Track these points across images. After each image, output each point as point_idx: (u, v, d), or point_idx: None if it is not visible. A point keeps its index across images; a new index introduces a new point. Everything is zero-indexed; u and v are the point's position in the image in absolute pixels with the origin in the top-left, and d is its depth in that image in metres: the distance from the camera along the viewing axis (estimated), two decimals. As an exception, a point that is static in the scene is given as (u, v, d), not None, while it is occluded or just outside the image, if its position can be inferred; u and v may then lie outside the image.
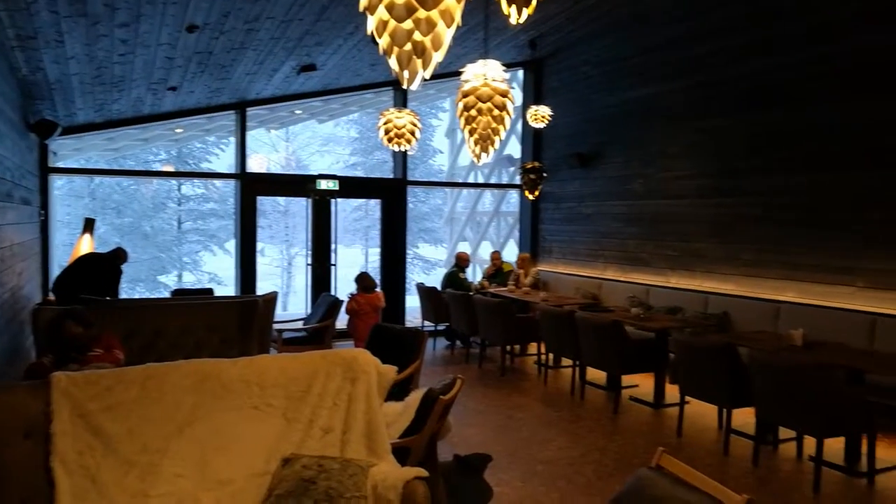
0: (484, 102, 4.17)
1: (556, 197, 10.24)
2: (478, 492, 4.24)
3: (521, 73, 10.96)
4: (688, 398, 5.48)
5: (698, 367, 5.19)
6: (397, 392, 4.06)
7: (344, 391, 3.27)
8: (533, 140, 10.58)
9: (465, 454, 4.54)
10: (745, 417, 5.18)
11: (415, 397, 3.63)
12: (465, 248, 16.74)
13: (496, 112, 4.17)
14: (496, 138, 4.24)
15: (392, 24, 2.05)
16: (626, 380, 6.73)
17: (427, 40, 2.05)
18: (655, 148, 8.33)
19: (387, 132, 6.99)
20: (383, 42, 2.10)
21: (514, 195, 11.52)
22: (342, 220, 26.38)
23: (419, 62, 2.07)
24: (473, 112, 4.21)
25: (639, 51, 8.55)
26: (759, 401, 4.71)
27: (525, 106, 10.33)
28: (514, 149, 12.59)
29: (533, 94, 10.52)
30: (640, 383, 6.87)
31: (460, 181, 16.71)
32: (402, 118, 6.96)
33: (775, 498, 4.23)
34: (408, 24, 2.03)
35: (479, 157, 4.37)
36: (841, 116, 6.15)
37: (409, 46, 2.05)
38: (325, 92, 9.44)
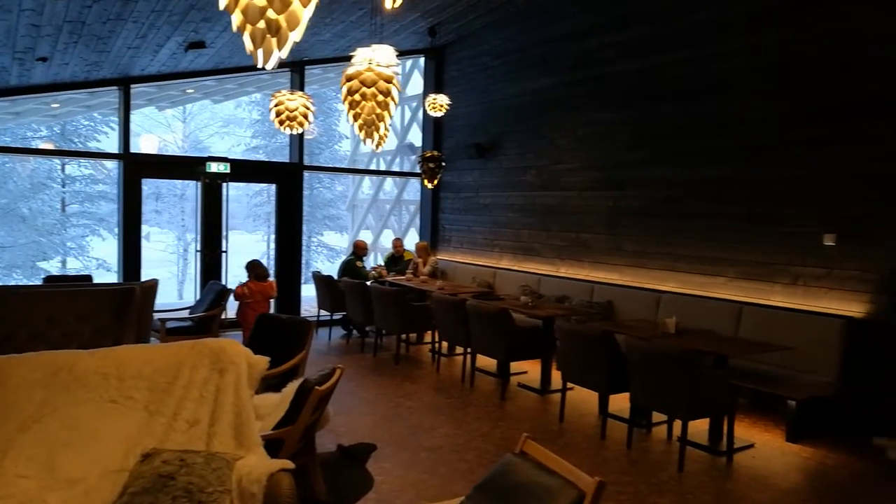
0: (368, 87, 4.11)
1: (455, 186, 10.31)
2: (358, 481, 4.21)
3: (422, 60, 10.92)
4: (572, 384, 5.66)
5: (579, 355, 5.37)
6: (280, 383, 3.97)
7: (211, 382, 3.15)
8: (434, 128, 10.59)
9: (349, 444, 4.51)
10: (624, 402, 5.41)
11: (291, 388, 3.55)
12: (367, 235, 16.62)
13: (380, 98, 4.12)
14: (381, 124, 4.19)
15: (244, 0, 1.96)
16: (517, 367, 6.89)
17: (282, 18, 1.97)
18: (549, 140, 8.53)
19: (278, 114, 6.80)
20: (236, 19, 2.01)
21: (415, 183, 11.50)
22: (244, 205, 25.63)
23: (274, 41, 1.99)
24: (357, 97, 4.14)
25: (537, 43, 8.71)
26: (632, 386, 4.93)
27: (426, 94, 10.32)
28: (417, 136, 12.58)
29: (434, 83, 10.52)
30: (530, 370, 7.04)
31: (361, 168, 16.53)
32: (295, 100, 6.80)
33: (643, 478, 4.44)
34: (260, 1, 1.95)
35: (364, 141, 4.32)
36: (724, 113, 6.49)
37: (262, 24, 1.97)
38: (218, 71, 9.05)
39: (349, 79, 4.12)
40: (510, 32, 9.16)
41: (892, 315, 1.76)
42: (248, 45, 2.02)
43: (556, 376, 6.11)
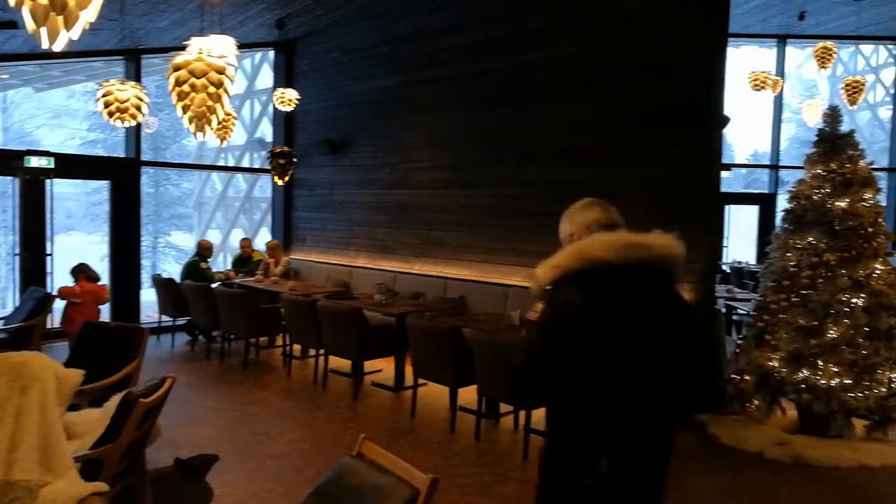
0: (198, 78, 3.87)
1: (309, 183, 10.07)
2: (195, 496, 3.97)
3: (272, 53, 10.55)
4: (424, 380, 5.70)
5: (429, 350, 5.42)
6: (108, 398, 3.64)
7: (11, 402, 2.81)
8: (285, 123, 10.27)
9: (188, 457, 4.24)
10: (475, 395, 5.51)
11: (113, 402, 3.26)
12: (215, 235, 15.83)
13: (212, 90, 3.89)
14: (213, 117, 3.97)
15: (22, -29, 1.75)
16: (371, 365, 6.83)
17: (69, -5, 1.78)
18: (400, 139, 8.55)
19: (107, 105, 6.26)
20: (15, -8, 1.79)
21: (267, 180, 11.10)
22: (82, 203, 23.41)
23: (60, 19, 1.79)
24: (186, 88, 3.88)
25: (384, 41, 8.70)
26: (479, 378, 5.04)
27: (276, 88, 9.98)
28: (268, 131, 12.15)
29: (284, 77, 10.20)
30: (384, 368, 7.01)
31: (208, 164, 15.72)
32: (126, 91, 6.28)
33: (489, 468, 4.55)
34: (41, -27, 1.74)
35: (195, 135, 4.07)
36: (567, 115, 6.78)
37: (44, 0, 1.76)
38: (35, 56, 8.19)
39: (177, 69, 3.86)
40: (358, 29, 9.07)
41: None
42: (30, 24, 1.80)
43: (411, 373, 6.13)
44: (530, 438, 4.81)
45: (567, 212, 2.36)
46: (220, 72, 3.87)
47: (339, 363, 6.76)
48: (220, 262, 13.94)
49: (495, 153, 7.46)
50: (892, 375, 4.83)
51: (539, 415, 5.00)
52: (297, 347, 7.45)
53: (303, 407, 5.89)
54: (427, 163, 8.22)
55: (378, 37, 8.78)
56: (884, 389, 4.82)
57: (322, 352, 6.60)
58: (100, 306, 7.08)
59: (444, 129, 8.01)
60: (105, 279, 7.84)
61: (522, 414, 5.06)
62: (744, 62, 13.44)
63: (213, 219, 16.81)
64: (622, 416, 1.97)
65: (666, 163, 6.07)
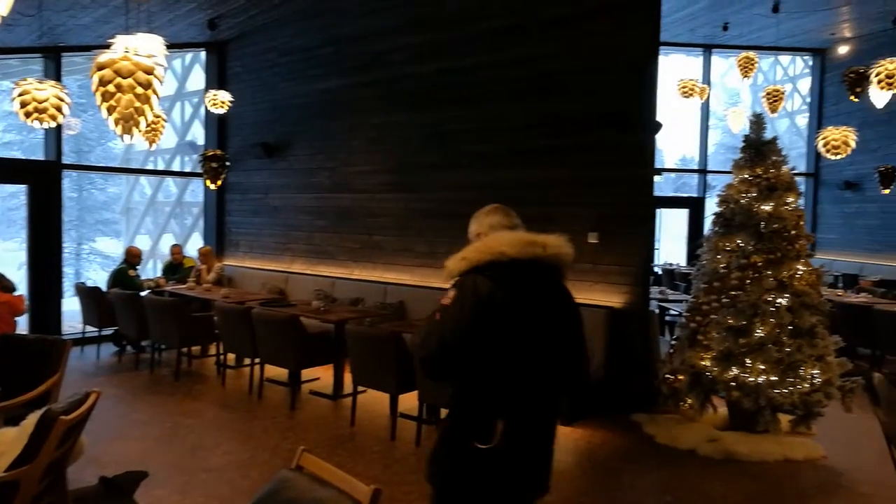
0: (125, 78, 3.70)
1: (242, 188, 9.82)
2: (124, 516, 3.78)
3: (203, 54, 10.25)
4: (363, 387, 5.62)
5: (369, 357, 5.34)
6: (26, 415, 3.42)
7: (-84, 424, 2.60)
8: (217, 126, 9.98)
9: (114, 474, 4.04)
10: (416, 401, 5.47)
11: (31, 420, 3.07)
12: (144, 241, 15.25)
13: (140, 90, 3.73)
14: (141, 119, 3.81)
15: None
16: (308, 374, 6.69)
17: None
18: (340, 141, 8.44)
19: (23, 105, 5.94)
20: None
21: (198, 184, 10.76)
22: (-6, 208, 22.16)
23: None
24: (112, 88, 3.71)
25: (325, 42, 8.57)
26: (420, 384, 5.00)
27: (208, 90, 9.69)
28: (200, 134, 11.78)
29: (217, 78, 9.92)
30: (322, 376, 6.88)
31: (136, 167, 15.13)
32: (45, 90, 5.97)
33: (432, 475, 4.50)
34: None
35: (122, 137, 3.90)
36: (510, 118, 6.83)
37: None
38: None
39: (101, 67, 3.68)
40: (296, 30, 8.92)
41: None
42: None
43: (350, 380, 6.03)
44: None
45: (475, 215, 2.65)
46: (149, 72, 3.71)
47: (276, 372, 6.60)
48: (150, 270, 13.44)
49: (437, 156, 7.46)
50: (814, 372, 5.05)
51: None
52: (231, 357, 7.24)
53: (238, 418, 5.72)
54: (368, 166, 8.14)
55: (318, 38, 8.64)
56: (807, 385, 5.03)
57: (258, 361, 6.43)
58: (16, 318, 6.68)
59: (385, 132, 7.95)
60: (23, 289, 7.42)
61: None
62: (672, 70, 13.90)
63: (143, 224, 16.20)
64: (518, 387, 2.26)
65: (602, 166, 6.19)
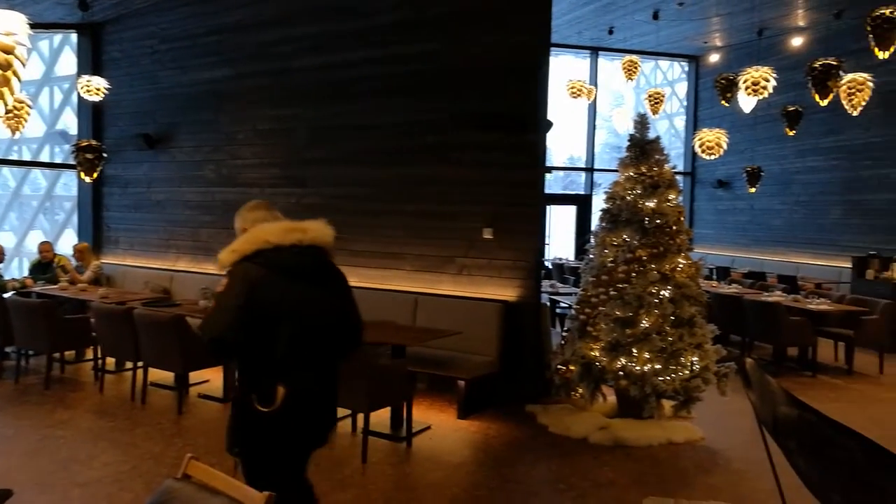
0: (-20, 57, 3.35)
1: (122, 181, 9.21)
2: (-16, 540, 3.43)
3: (74, 36, 9.51)
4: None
5: (261, 357, 5.14)
6: None
7: None
8: (92, 115, 9.31)
9: (-27, 495, 3.65)
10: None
11: None
12: (8, 238, 14.00)
13: (-2, 71, 3.39)
14: (1, 102, 3.46)
15: None
16: (197, 376, 6.36)
17: None
18: (227, 134, 8.10)
19: None
20: None
21: (71, 176, 10.00)
22: None
23: None
24: (-35, 68, 3.35)
25: (210, 30, 8.19)
26: (316, 384, 4.87)
27: (80, 75, 9.00)
28: (73, 123, 10.93)
29: (91, 63, 9.24)
30: (212, 378, 6.56)
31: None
32: None
33: (327, 475, 4.40)
34: None
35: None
36: (402, 113, 6.80)
37: None
38: None
39: (-49, 44, 3.31)
40: (178, 16, 8.46)
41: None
42: None
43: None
44: (369, 441, 4.74)
45: (239, 211, 2.91)
46: (8, 51, 3.38)
47: (161, 375, 6.24)
48: (15, 269, 12.34)
49: (327, 151, 7.31)
50: (693, 359, 5.37)
51: (379, 416, 4.96)
52: (110, 361, 6.77)
53: (118, 426, 5.35)
54: (256, 160, 7.86)
55: (204, 25, 8.24)
56: (687, 372, 5.34)
57: (140, 364, 6.04)
58: None
59: (275, 125, 7.70)
60: None
61: (361, 417, 4.96)
62: (562, 70, 14.35)
63: (6, 220, 14.84)
64: (295, 355, 2.55)
65: (495, 164, 6.29)
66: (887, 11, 7.10)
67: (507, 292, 6.28)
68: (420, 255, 6.72)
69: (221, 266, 2.60)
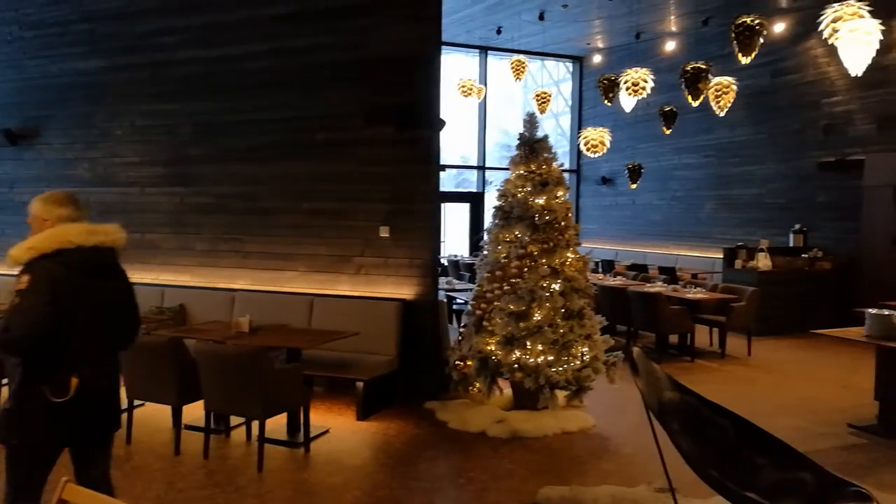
0: None
1: (-22, 181, 8.41)
2: None
3: (-80, 20, 8.57)
4: (141, 401, 5.11)
5: (145, 368, 4.86)
6: None
7: None
8: (-58, 108, 8.43)
9: None
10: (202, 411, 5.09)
11: None
12: None
13: None
14: None
15: None
16: None
17: None
18: (102, 130, 7.59)
19: None
20: None
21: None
22: None
23: None
24: None
25: (80, 18, 7.62)
26: (206, 393, 4.67)
27: (-73, 64, 8.14)
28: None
29: (-60, 51, 8.36)
30: None
31: None
32: None
33: (221, 487, 4.23)
34: None
35: None
36: (292, 109, 6.61)
37: None
38: None
39: None
40: (45, 1, 7.82)
41: None
42: None
43: (124, 394, 5.45)
44: (265, 448, 4.59)
45: (44, 199, 2.97)
46: None
47: None
48: None
49: (213, 148, 7.01)
50: (583, 350, 5.59)
51: (275, 422, 4.81)
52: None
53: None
54: (136, 157, 7.41)
55: (72, 13, 7.65)
56: (578, 362, 5.55)
57: (5, 382, 5.54)
58: None
59: (155, 122, 7.29)
60: None
61: (256, 424, 4.79)
62: (453, 70, 14.51)
63: None
64: (87, 348, 2.77)
65: (388, 162, 6.26)
66: (748, 19, 7.70)
67: (404, 291, 6.27)
68: (315, 255, 6.58)
69: (14, 262, 2.69)
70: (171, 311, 6.76)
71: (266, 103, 6.73)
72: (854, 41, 6.45)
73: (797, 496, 3.15)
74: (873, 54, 6.61)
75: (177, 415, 4.88)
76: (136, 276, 7.32)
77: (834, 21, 6.64)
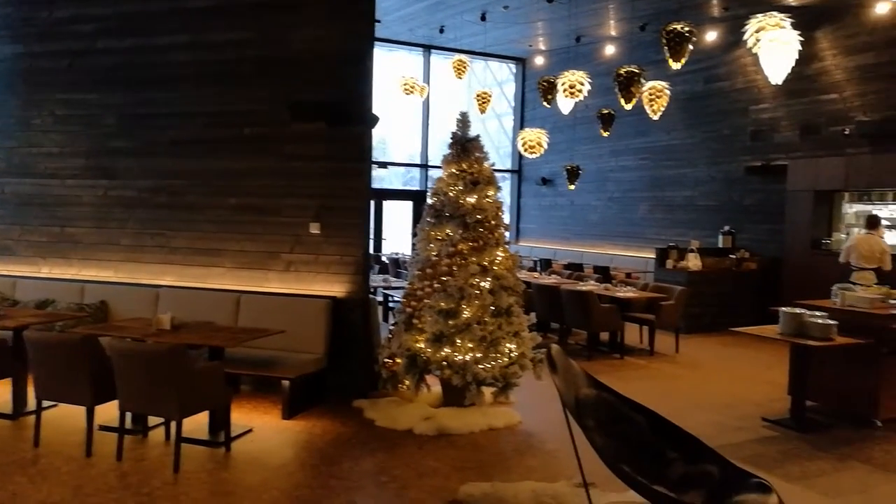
0: None
1: None
2: None
3: None
4: (50, 402, 4.90)
5: (56, 367, 4.66)
6: None
7: None
8: None
9: None
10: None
11: None
12: None
13: None
14: None
15: None
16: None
17: None
18: (18, 119, 7.27)
19: None
20: None
21: None
22: None
23: None
24: None
25: (-2, 1, 7.27)
26: (121, 392, 4.51)
27: None
28: None
29: None
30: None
31: None
32: None
33: (134, 490, 4.09)
34: None
35: None
36: (220, 103, 6.48)
37: None
38: None
39: None
40: (-43, -19, 7.43)
41: None
42: None
43: (34, 395, 5.22)
44: (182, 448, 4.46)
45: None
46: None
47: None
48: None
49: (136, 140, 6.80)
50: (511, 346, 5.63)
51: (197, 422, 4.67)
52: None
53: None
54: (55, 148, 7.12)
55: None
56: (506, 359, 5.59)
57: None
58: None
59: (75, 112, 7.02)
60: None
61: (174, 424, 4.65)
62: (396, 67, 14.45)
63: None
64: None
65: (319, 158, 6.19)
66: (679, 26, 7.90)
67: (335, 288, 6.20)
68: (242, 251, 6.45)
69: None
70: (92, 308, 6.52)
71: (190, 97, 6.56)
72: (774, 50, 6.69)
73: (703, 488, 3.25)
74: (793, 63, 6.89)
75: (89, 415, 4.69)
76: (56, 270, 7.13)
77: (757, 31, 6.89)
